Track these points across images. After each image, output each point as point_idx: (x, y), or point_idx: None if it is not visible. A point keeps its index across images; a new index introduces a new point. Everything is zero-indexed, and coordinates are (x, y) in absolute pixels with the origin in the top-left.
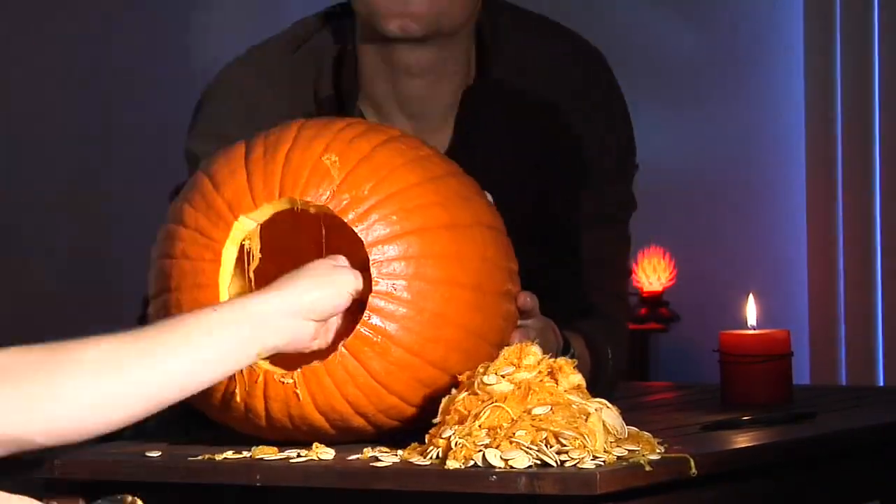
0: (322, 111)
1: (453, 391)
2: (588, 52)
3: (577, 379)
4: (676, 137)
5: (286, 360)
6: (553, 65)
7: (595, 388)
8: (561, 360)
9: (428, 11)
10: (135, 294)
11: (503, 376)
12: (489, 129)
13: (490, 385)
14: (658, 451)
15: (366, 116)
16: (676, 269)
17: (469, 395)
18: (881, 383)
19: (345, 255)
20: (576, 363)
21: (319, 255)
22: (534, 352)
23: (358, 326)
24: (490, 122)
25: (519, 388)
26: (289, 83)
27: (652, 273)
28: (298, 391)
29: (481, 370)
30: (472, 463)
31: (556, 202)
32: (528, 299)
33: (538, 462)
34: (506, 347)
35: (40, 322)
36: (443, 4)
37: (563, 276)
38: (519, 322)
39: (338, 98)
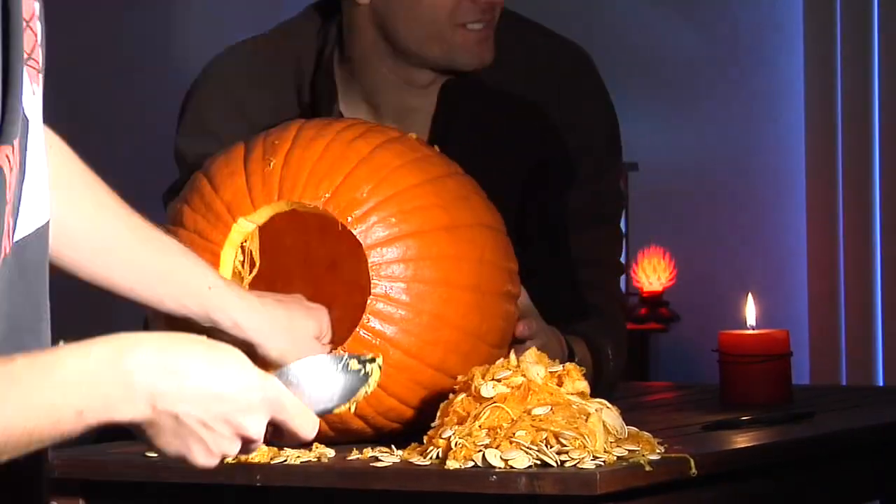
0: (304, 114)
1: (451, 396)
2: (570, 50)
3: (583, 386)
4: (677, 137)
5: None
6: (534, 64)
7: (595, 388)
8: (570, 366)
9: (492, 40)
10: None
11: (499, 380)
12: (470, 127)
13: (486, 396)
14: (658, 451)
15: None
16: (676, 269)
17: (467, 397)
18: (881, 383)
19: (343, 256)
20: (584, 371)
21: (320, 255)
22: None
23: (356, 329)
24: (470, 120)
25: (519, 388)
26: (272, 84)
27: (652, 273)
28: None
29: (479, 373)
30: (472, 463)
31: (548, 203)
32: (525, 329)
33: (538, 462)
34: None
35: None
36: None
37: (559, 276)
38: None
39: (318, 101)
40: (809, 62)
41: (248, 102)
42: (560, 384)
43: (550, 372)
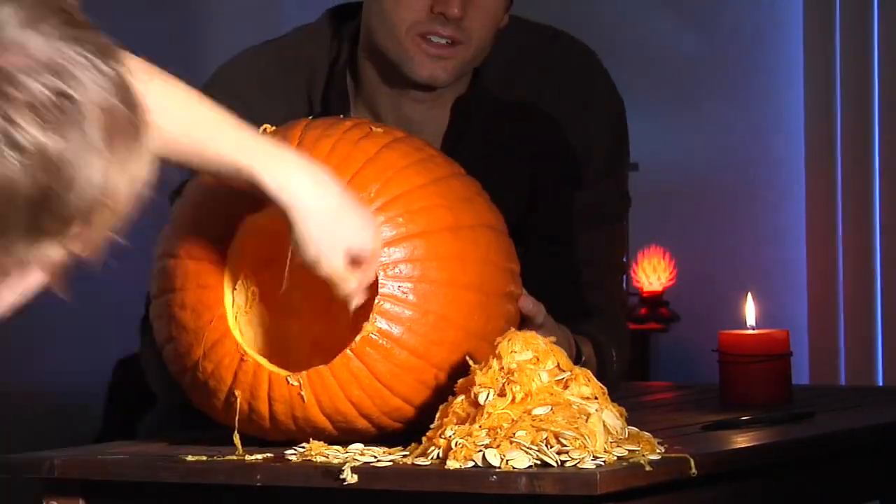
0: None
1: (450, 398)
2: (579, 51)
3: (588, 391)
4: (677, 137)
5: (290, 363)
6: (543, 67)
7: None
8: (578, 370)
9: (458, 63)
10: (134, 293)
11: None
12: (479, 136)
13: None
14: (658, 451)
15: None
16: (676, 269)
17: (465, 399)
18: (881, 383)
19: None
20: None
21: None
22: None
23: (366, 332)
24: (480, 130)
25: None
26: (282, 91)
27: (652, 273)
28: (303, 393)
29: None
30: (472, 463)
31: (550, 203)
32: (530, 304)
33: (538, 462)
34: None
35: (39, 321)
36: (470, 54)
37: (560, 277)
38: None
39: (330, 111)
40: (809, 62)
41: (258, 110)
42: (566, 388)
43: (557, 380)
